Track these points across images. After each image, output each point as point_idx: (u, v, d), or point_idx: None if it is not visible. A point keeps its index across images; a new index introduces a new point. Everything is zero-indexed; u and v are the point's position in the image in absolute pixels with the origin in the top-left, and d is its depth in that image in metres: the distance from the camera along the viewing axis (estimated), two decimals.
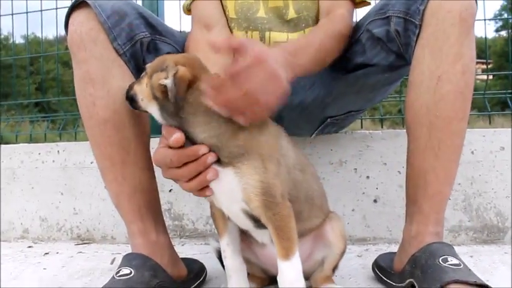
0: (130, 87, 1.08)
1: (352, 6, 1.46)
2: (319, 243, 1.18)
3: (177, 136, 0.96)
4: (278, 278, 1.00)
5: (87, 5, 1.22)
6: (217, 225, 1.14)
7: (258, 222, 1.02)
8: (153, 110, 1.02)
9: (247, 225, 1.07)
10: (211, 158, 0.96)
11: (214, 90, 0.93)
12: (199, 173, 0.98)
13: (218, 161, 0.96)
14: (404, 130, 1.27)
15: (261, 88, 0.94)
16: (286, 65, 1.04)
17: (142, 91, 1.02)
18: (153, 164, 1.30)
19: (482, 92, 2.17)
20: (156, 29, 1.36)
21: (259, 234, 1.11)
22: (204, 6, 1.54)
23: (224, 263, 1.14)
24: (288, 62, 1.07)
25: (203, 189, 1.01)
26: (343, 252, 1.20)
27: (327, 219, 1.20)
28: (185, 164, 0.98)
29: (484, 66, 2.91)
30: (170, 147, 0.99)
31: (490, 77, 2.49)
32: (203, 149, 0.95)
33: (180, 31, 2.52)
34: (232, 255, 1.13)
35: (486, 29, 2.32)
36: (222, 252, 1.14)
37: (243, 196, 0.97)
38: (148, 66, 1.03)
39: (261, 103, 0.95)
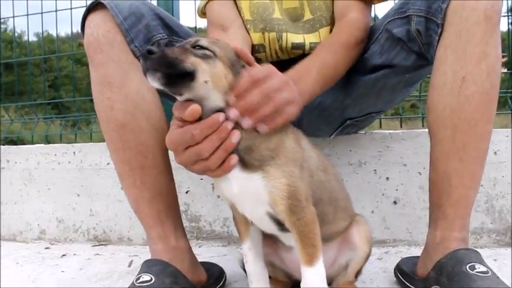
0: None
1: (366, 5, 1.42)
2: (344, 247, 1.16)
3: (194, 107, 0.90)
4: (301, 284, 0.99)
5: (103, 6, 1.21)
6: (239, 229, 1.13)
7: (282, 226, 1.01)
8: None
9: (272, 229, 1.05)
10: (230, 123, 0.93)
11: (236, 97, 0.93)
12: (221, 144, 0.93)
13: (245, 166, 0.95)
14: (425, 130, 1.24)
15: (278, 93, 0.96)
16: None
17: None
18: (171, 168, 1.29)
19: (505, 90, 2.11)
20: (173, 30, 1.35)
21: (286, 238, 1.10)
22: (218, 8, 1.52)
23: (246, 268, 1.13)
24: None
25: (226, 162, 0.94)
26: (367, 256, 1.17)
27: (354, 223, 1.17)
28: (206, 137, 0.93)
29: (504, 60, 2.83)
30: (186, 122, 0.94)
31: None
32: (222, 116, 0.92)
33: (196, 30, 2.53)
34: (254, 259, 1.12)
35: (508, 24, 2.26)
36: (243, 256, 1.13)
37: (269, 199, 0.96)
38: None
39: (280, 108, 0.96)
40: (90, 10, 1.23)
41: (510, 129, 1.74)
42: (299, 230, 0.97)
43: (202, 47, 0.92)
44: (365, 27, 1.38)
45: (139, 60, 1.23)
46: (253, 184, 0.95)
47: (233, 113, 0.92)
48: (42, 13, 2.63)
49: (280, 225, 1.01)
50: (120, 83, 1.21)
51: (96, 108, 1.25)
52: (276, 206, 0.96)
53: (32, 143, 2.66)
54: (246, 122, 0.93)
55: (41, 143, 2.45)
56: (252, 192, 0.96)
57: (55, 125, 2.97)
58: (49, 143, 2.53)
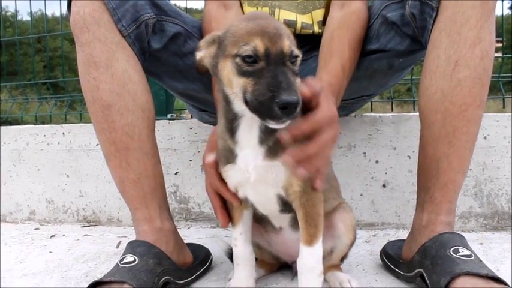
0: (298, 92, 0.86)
1: None
2: (328, 233, 1.15)
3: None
4: (298, 262, 1.01)
5: None
6: (233, 214, 1.12)
7: (284, 207, 1.03)
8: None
9: (272, 210, 1.06)
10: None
11: (293, 139, 0.93)
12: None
13: (270, 154, 0.95)
14: (416, 113, 1.24)
15: (331, 145, 1.00)
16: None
17: None
18: (158, 149, 1.29)
19: (497, 74, 2.11)
20: (162, 9, 1.32)
21: (278, 219, 1.11)
22: None
23: (234, 251, 1.13)
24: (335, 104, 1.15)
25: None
26: (352, 243, 1.18)
27: (340, 209, 1.17)
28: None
29: (498, 45, 2.82)
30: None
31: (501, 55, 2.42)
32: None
33: (186, 9, 2.49)
34: (243, 244, 1.12)
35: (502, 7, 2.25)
36: (233, 240, 1.13)
37: (285, 183, 0.97)
38: None
39: (326, 157, 1.01)
40: None
41: (500, 114, 1.73)
42: (306, 210, 0.99)
43: (296, 57, 0.90)
44: (368, 14, 1.37)
45: (126, 40, 1.22)
46: (274, 170, 0.96)
47: (288, 160, 0.93)
48: None
49: (284, 205, 1.03)
50: (106, 63, 1.19)
51: (83, 89, 1.24)
52: (291, 188, 0.98)
53: (22, 123, 2.64)
54: (301, 173, 0.93)
55: (36, 123, 2.43)
56: (269, 178, 0.97)
57: (49, 104, 2.94)
58: (43, 123, 2.52)
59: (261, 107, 0.82)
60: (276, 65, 0.85)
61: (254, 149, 0.96)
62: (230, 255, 1.19)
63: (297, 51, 0.89)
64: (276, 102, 0.79)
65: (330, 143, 0.99)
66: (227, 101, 0.95)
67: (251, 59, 0.85)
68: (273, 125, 0.85)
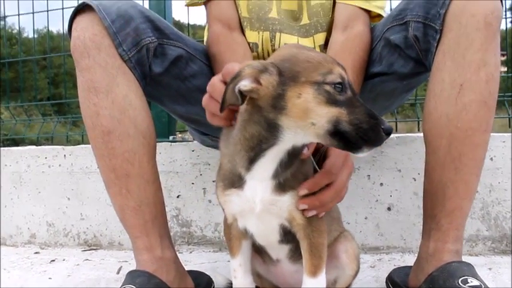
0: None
1: (369, 17, 1.41)
2: (331, 264, 1.12)
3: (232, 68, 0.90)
4: None
5: (91, 8, 1.17)
6: (231, 245, 1.08)
7: (285, 236, 1.01)
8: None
9: (272, 240, 1.03)
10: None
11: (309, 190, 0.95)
12: None
13: (278, 189, 0.93)
14: (420, 135, 1.22)
15: (345, 187, 1.03)
16: None
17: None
18: (159, 176, 1.27)
19: (502, 94, 2.09)
20: (163, 33, 1.31)
21: (276, 250, 1.08)
22: (223, 6, 1.47)
23: (233, 283, 1.10)
24: None
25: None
26: (356, 273, 1.14)
27: (342, 239, 1.14)
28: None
29: (502, 58, 2.79)
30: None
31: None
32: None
33: (188, 26, 2.50)
34: (243, 275, 1.08)
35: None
36: (232, 271, 1.09)
37: (287, 216, 0.96)
38: None
39: (341, 198, 1.04)
40: (77, 12, 1.20)
41: (507, 134, 1.71)
42: (311, 241, 0.97)
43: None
44: (370, 40, 1.36)
45: (127, 65, 1.21)
46: (279, 204, 0.94)
47: (302, 206, 0.94)
48: (33, 13, 2.62)
49: (285, 235, 1.01)
50: (106, 89, 1.17)
51: (83, 114, 1.22)
52: (294, 221, 0.96)
53: (26, 141, 2.63)
54: (311, 213, 0.95)
55: (39, 142, 2.43)
56: (273, 210, 0.95)
57: (54, 122, 2.93)
58: (47, 140, 2.51)
59: (366, 135, 0.81)
60: (355, 94, 0.86)
61: (264, 181, 0.93)
62: None
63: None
64: (382, 128, 0.81)
65: (346, 183, 1.03)
66: (273, 130, 0.86)
67: (340, 87, 0.83)
68: (363, 153, 0.83)
